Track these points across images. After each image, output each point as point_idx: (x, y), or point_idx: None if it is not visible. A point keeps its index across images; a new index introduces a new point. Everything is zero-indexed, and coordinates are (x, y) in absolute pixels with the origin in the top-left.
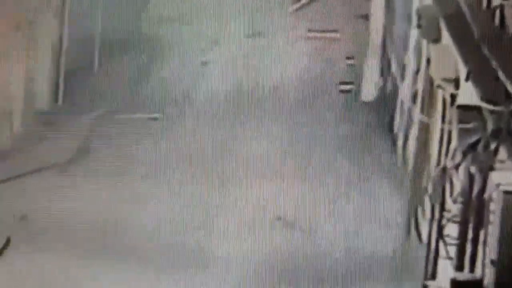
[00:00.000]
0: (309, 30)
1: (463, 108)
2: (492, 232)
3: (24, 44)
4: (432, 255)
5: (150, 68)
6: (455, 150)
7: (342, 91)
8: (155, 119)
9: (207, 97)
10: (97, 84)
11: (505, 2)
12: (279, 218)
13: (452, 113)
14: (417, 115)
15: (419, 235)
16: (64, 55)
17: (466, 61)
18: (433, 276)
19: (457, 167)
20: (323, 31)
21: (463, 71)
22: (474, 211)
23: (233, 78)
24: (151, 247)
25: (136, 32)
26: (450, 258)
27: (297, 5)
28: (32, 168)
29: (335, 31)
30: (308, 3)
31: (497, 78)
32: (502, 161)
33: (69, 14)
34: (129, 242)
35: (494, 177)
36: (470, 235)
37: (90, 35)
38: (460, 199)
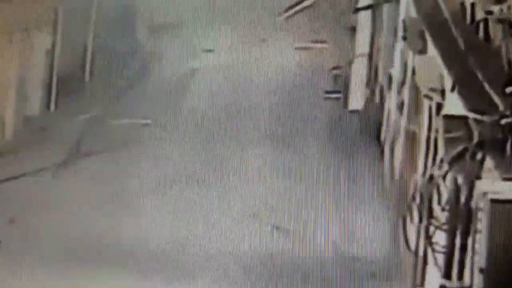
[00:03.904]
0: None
1: (449, 117)
2: (480, 240)
3: (17, 51)
4: (420, 262)
5: (142, 75)
6: (441, 159)
7: (328, 99)
8: (146, 125)
9: (197, 105)
10: (89, 91)
11: (488, 16)
12: (268, 223)
13: (438, 123)
14: (403, 124)
15: (407, 242)
16: (57, 62)
17: (451, 72)
18: (422, 284)
19: (444, 176)
20: (313, 42)
21: (448, 82)
22: (462, 219)
23: (222, 85)
24: (142, 252)
25: (128, 40)
26: (438, 266)
27: (287, 14)
28: (23, 172)
29: (324, 41)
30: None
31: (483, 89)
32: (489, 170)
33: (62, 22)
34: (122, 247)
35: (481, 185)
36: (458, 243)
37: (82, 43)
38: (447, 207)
